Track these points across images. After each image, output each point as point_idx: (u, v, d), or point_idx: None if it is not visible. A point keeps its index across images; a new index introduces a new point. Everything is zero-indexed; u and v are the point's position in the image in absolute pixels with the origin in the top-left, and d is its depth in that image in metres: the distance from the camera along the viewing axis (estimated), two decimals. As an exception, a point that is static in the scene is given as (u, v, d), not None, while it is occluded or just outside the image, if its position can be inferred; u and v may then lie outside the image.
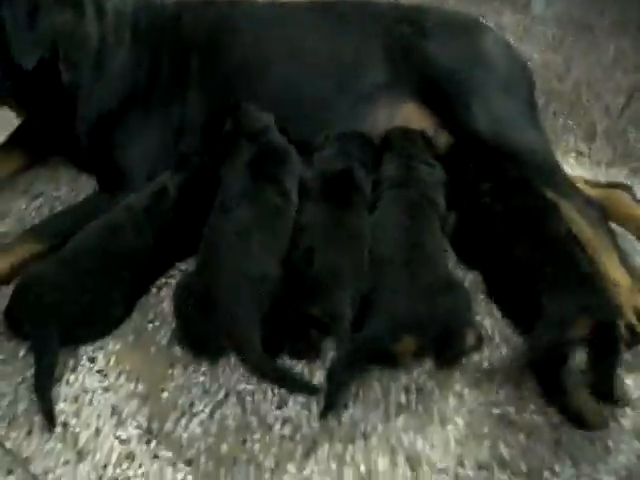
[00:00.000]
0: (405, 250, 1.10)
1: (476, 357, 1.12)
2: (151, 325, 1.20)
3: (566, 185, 1.25)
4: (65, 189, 1.50)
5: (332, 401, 1.02)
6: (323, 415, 1.03)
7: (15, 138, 1.54)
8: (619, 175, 1.48)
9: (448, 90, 1.37)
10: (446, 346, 1.09)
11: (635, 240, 1.28)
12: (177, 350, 1.15)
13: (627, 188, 1.31)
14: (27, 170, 1.56)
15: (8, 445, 1.02)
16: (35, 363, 1.10)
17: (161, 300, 1.24)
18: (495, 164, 1.28)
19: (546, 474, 0.95)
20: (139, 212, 1.22)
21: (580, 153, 1.57)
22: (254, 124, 1.32)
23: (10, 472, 0.99)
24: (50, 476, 0.98)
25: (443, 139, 1.39)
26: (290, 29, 1.46)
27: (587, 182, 1.35)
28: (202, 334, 1.08)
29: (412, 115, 1.41)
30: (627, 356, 1.09)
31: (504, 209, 1.21)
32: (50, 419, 1.06)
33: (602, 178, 1.46)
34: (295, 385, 1.06)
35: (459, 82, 1.36)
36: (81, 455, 1.01)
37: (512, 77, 1.40)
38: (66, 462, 1.00)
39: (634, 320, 1.09)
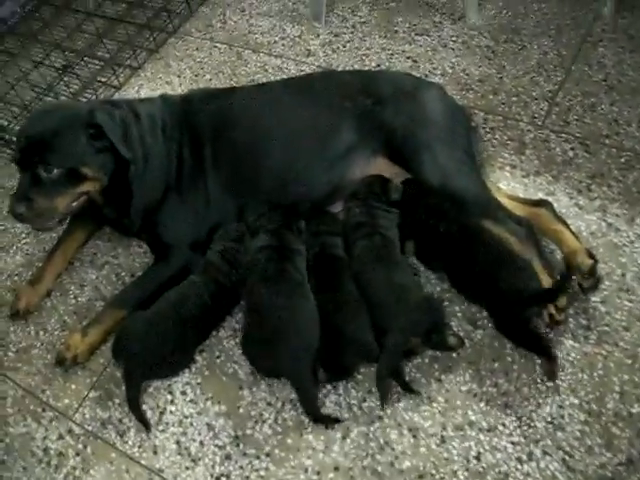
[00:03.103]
0: (389, 290, 1.54)
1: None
2: (218, 360, 1.65)
3: (499, 213, 1.63)
4: (123, 256, 1.91)
5: (384, 393, 1.48)
6: (384, 404, 1.48)
7: (73, 220, 1.90)
8: (543, 183, 1.84)
9: (403, 149, 1.72)
10: (434, 337, 1.54)
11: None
12: (242, 376, 1.60)
13: (548, 204, 1.69)
14: (87, 243, 1.95)
15: (144, 462, 1.52)
16: (126, 389, 1.58)
17: (220, 340, 1.68)
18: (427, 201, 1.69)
19: (500, 427, 1.44)
20: (199, 284, 1.64)
21: (513, 166, 1.91)
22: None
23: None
24: (178, 479, 1.48)
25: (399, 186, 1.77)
26: (276, 110, 1.79)
27: (517, 199, 1.74)
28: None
29: (383, 167, 1.76)
30: (551, 335, 1.54)
31: (457, 230, 1.63)
32: (145, 424, 1.55)
33: (531, 188, 1.83)
34: (320, 417, 1.50)
35: (411, 142, 1.70)
36: (195, 462, 1.50)
37: (452, 129, 1.74)
38: (187, 468, 1.49)
39: (553, 311, 1.50)
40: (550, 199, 1.77)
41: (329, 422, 1.50)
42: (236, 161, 1.78)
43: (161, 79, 2.43)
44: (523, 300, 1.51)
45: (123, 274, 1.87)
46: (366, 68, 2.29)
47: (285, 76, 2.31)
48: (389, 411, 1.50)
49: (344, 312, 1.53)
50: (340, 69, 2.30)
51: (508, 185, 1.86)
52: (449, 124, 1.75)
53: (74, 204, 1.66)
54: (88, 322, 1.71)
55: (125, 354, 1.57)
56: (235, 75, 2.38)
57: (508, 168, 1.91)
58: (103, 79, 2.43)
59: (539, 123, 2.00)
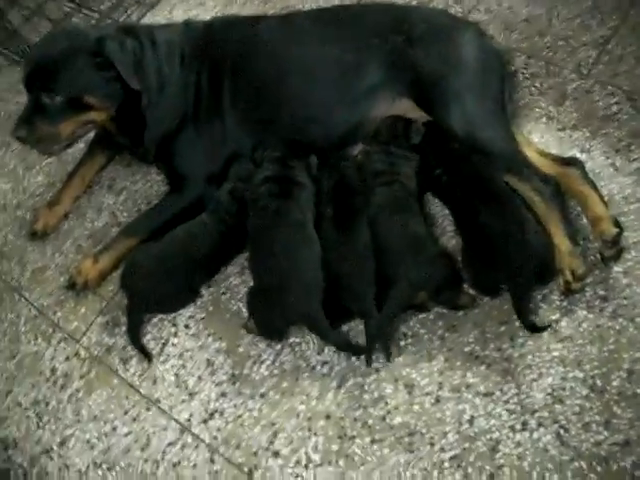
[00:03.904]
0: (404, 240, 1.49)
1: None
2: (224, 297, 1.66)
3: (525, 169, 1.53)
4: (141, 183, 1.91)
5: (386, 342, 1.45)
6: (387, 355, 1.45)
7: (94, 143, 1.91)
8: (580, 138, 1.71)
9: (431, 92, 1.62)
10: (444, 294, 1.50)
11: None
12: (245, 315, 1.59)
13: (579, 164, 1.58)
14: (107, 167, 1.95)
15: (143, 391, 1.55)
16: (127, 321, 1.61)
17: (228, 276, 1.68)
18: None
19: (497, 393, 1.40)
20: (209, 224, 1.62)
21: (550, 118, 1.78)
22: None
23: (148, 409, 1.52)
24: (174, 410, 1.51)
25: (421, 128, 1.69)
26: (300, 44, 1.70)
27: (547, 156, 1.62)
28: (274, 323, 1.50)
29: (407, 109, 1.67)
30: (565, 303, 1.49)
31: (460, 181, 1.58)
32: (145, 354, 1.58)
33: (566, 143, 1.71)
34: (351, 348, 1.49)
35: (439, 86, 1.60)
36: (192, 395, 1.53)
37: (485, 76, 1.62)
38: (183, 401, 1.53)
39: (570, 278, 1.44)
40: (584, 156, 1.67)
41: (358, 351, 1.48)
42: (255, 95, 1.71)
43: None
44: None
45: (140, 201, 1.87)
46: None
47: (321, 2, 2.19)
48: (388, 364, 1.49)
49: (351, 266, 1.48)
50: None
51: (541, 138, 1.74)
52: (482, 71, 1.62)
53: (79, 131, 1.65)
54: (100, 248, 1.73)
55: (130, 289, 1.59)
56: (270, -1, 2.27)
57: (544, 119, 1.78)
58: (136, -3, 2.35)
59: (584, 72, 1.84)
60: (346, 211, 1.57)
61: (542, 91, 1.83)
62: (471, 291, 1.54)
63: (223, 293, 1.66)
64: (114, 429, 1.52)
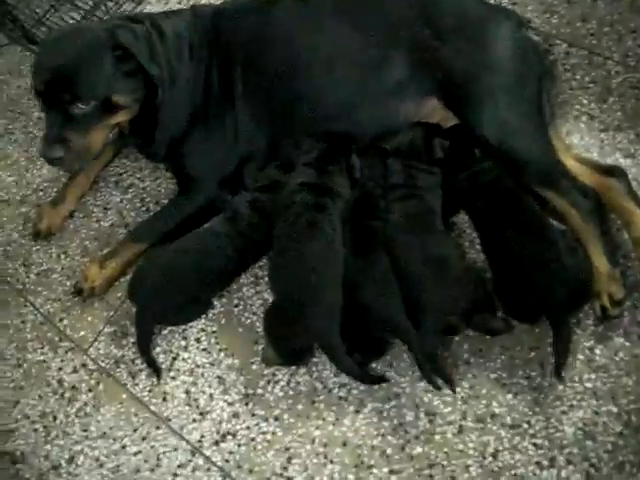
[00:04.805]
0: (423, 264, 1.38)
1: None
2: (236, 309, 1.57)
3: (563, 181, 1.40)
4: (149, 180, 1.80)
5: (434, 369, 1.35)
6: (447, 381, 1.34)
7: None
8: (624, 141, 1.57)
9: (461, 95, 1.47)
10: (474, 317, 1.40)
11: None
12: (258, 329, 1.52)
13: (623, 175, 1.44)
14: (113, 161, 1.84)
15: (153, 408, 1.50)
16: (136, 334, 1.53)
17: (240, 287, 1.59)
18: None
19: (524, 426, 1.32)
20: (222, 236, 1.52)
21: (591, 116, 1.63)
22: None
23: (158, 427, 1.47)
24: (184, 430, 1.46)
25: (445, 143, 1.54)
26: (320, 31, 1.56)
27: (586, 163, 1.49)
28: (294, 348, 1.42)
29: (434, 109, 1.53)
30: (599, 329, 1.39)
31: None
32: (155, 368, 1.51)
33: (607, 146, 1.57)
34: (369, 378, 1.41)
35: (471, 88, 1.45)
36: (203, 415, 1.47)
37: (522, 75, 1.47)
38: (194, 420, 1.47)
39: (607, 304, 1.34)
40: (628, 162, 1.54)
41: (375, 381, 1.41)
42: (270, 87, 1.58)
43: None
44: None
45: (148, 200, 1.77)
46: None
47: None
48: (408, 390, 1.40)
49: (375, 287, 1.38)
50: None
51: (581, 140, 1.60)
52: (519, 69, 1.47)
53: (109, 137, 1.56)
54: (107, 253, 1.64)
55: (138, 303, 1.51)
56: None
57: (585, 118, 1.63)
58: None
59: (631, 64, 1.67)
60: (365, 234, 1.46)
61: (583, 85, 1.67)
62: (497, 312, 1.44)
63: (236, 305, 1.57)
64: (123, 447, 1.46)
